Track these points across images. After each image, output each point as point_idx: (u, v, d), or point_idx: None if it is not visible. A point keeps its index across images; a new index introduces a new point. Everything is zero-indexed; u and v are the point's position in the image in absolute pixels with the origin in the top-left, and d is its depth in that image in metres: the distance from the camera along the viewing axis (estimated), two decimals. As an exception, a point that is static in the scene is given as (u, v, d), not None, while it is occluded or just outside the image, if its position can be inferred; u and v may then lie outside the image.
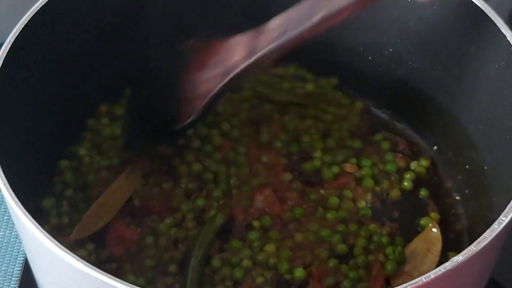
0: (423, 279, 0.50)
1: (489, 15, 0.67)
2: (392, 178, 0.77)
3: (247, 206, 0.73)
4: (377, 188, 0.76)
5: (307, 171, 0.77)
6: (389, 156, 0.78)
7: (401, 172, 0.78)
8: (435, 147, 0.81)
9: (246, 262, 0.69)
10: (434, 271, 0.51)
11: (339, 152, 0.78)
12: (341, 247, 0.71)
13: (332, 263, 0.70)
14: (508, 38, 0.65)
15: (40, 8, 0.67)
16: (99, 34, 0.76)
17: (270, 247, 0.70)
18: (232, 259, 0.70)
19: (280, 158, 0.78)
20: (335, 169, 0.77)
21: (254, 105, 0.83)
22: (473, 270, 0.56)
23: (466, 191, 0.76)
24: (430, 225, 0.73)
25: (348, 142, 0.80)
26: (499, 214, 0.55)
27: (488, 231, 0.53)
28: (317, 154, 0.78)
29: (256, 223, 0.72)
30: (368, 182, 0.76)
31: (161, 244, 0.71)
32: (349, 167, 0.77)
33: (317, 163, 0.77)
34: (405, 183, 0.77)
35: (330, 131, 0.80)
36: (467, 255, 0.52)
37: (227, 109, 0.82)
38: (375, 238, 0.72)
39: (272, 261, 0.70)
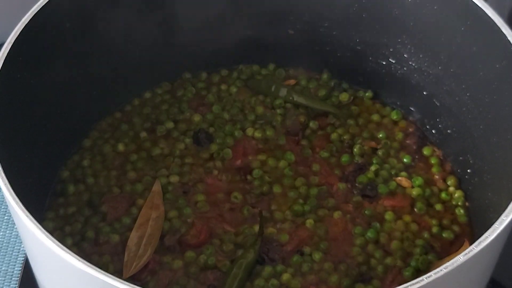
0: (424, 279, 0.50)
1: (489, 15, 0.67)
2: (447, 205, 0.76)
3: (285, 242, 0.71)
4: (431, 211, 0.75)
5: (362, 183, 0.76)
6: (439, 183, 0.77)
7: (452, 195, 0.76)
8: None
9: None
10: (435, 271, 0.51)
11: (391, 165, 0.77)
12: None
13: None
14: (508, 38, 0.65)
15: (40, 8, 0.67)
16: (100, 34, 0.76)
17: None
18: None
19: (332, 169, 0.77)
20: (392, 185, 0.76)
21: (287, 110, 0.82)
22: (473, 270, 0.56)
23: (467, 191, 0.76)
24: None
25: (399, 154, 0.78)
26: (500, 214, 0.55)
27: (489, 231, 0.54)
28: (372, 167, 0.77)
29: (307, 249, 0.71)
30: (421, 208, 0.74)
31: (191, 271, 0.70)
32: (404, 182, 0.76)
33: (371, 175, 0.76)
34: (456, 211, 0.75)
35: (378, 142, 0.79)
36: (467, 255, 0.52)
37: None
38: (417, 251, 0.71)
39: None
